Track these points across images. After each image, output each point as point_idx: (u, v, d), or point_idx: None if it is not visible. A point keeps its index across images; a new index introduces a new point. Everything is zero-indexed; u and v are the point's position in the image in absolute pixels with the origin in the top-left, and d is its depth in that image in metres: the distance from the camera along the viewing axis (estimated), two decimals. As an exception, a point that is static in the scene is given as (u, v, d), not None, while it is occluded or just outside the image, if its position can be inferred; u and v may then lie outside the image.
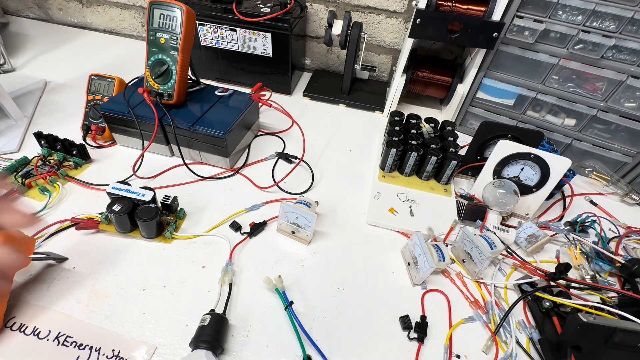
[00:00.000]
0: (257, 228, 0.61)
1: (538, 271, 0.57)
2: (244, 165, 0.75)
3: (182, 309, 0.50)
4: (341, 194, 0.71)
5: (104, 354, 0.45)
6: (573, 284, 0.56)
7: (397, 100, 0.91)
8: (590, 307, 0.51)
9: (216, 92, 0.76)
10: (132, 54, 1.11)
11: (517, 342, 0.50)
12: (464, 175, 0.76)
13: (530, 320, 0.53)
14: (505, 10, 0.71)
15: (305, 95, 0.99)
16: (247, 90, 0.79)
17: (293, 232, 0.60)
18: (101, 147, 0.76)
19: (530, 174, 0.65)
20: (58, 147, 0.70)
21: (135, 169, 0.68)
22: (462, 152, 0.73)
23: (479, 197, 0.69)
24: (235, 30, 0.87)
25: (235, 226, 0.61)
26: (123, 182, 0.60)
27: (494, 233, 0.60)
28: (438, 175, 0.74)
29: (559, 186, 0.71)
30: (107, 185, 0.59)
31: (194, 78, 0.78)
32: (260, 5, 0.87)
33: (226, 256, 0.57)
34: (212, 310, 0.48)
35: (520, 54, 0.74)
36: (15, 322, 0.47)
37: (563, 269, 0.53)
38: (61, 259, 0.54)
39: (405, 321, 0.51)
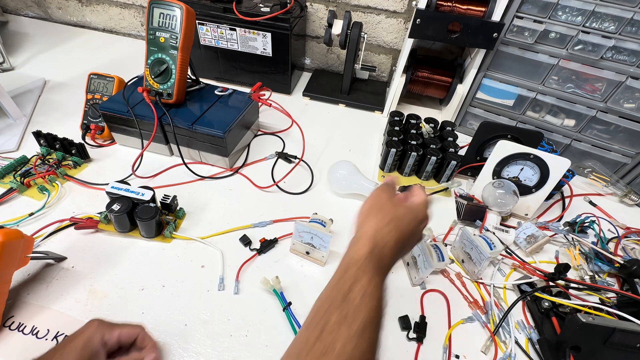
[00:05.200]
0: (267, 245, 0.59)
1: (537, 271, 0.57)
2: (244, 164, 0.75)
3: (181, 308, 0.50)
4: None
5: (102, 354, 0.44)
6: (572, 285, 0.56)
7: (397, 100, 0.91)
8: (589, 307, 0.51)
9: (216, 92, 0.76)
10: (132, 53, 1.11)
11: (516, 342, 0.50)
12: (463, 175, 0.76)
13: (530, 321, 0.53)
14: (505, 10, 0.71)
15: (305, 95, 0.99)
16: (247, 90, 0.79)
17: (307, 253, 0.58)
18: (100, 146, 0.76)
19: (529, 175, 0.65)
20: (57, 146, 0.70)
21: (135, 168, 0.68)
22: (462, 152, 0.73)
23: (478, 198, 0.69)
24: (235, 30, 0.87)
25: (245, 241, 0.59)
26: (122, 181, 0.60)
27: (493, 233, 0.60)
28: (437, 176, 0.74)
29: (559, 187, 0.71)
30: (107, 184, 0.59)
31: (193, 77, 0.78)
32: (260, 5, 0.87)
33: (225, 257, 0.57)
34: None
35: (520, 54, 0.74)
36: (14, 322, 0.46)
37: (562, 269, 0.53)
38: (60, 259, 0.54)
39: (404, 321, 0.51)
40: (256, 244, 0.59)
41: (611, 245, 0.65)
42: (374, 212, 0.39)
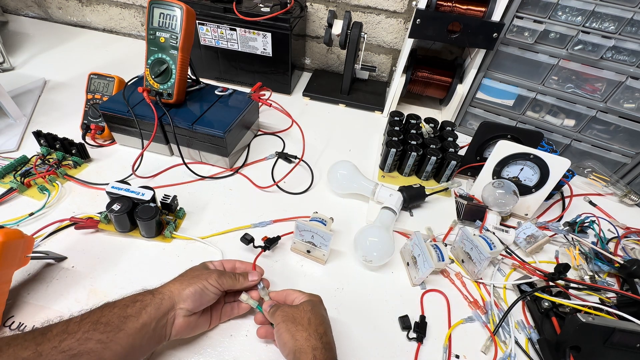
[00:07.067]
0: (272, 242, 0.57)
1: (537, 271, 0.57)
2: (244, 164, 0.75)
3: (181, 308, 0.50)
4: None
5: (102, 354, 0.45)
6: (572, 285, 0.56)
7: (397, 100, 0.91)
8: (589, 307, 0.51)
9: (216, 92, 0.76)
10: (132, 53, 1.11)
11: (516, 342, 0.50)
12: (463, 175, 0.76)
13: (529, 321, 0.54)
14: (505, 10, 0.71)
15: (305, 95, 0.99)
16: (247, 90, 0.79)
17: (308, 252, 0.58)
18: (100, 146, 0.76)
19: (529, 175, 0.65)
20: (57, 146, 0.70)
21: (135, 168, 0.68)
22: (462, 152, 0.73)
23: (478, 198, 0.69)
24: (235, 30, 0.87)
25: (248, 239, 0.56)
26: (122, 181, 0.60)
27: (493, 233, 0.60)
28: (437, 176, 0.74)
29: (558, 187, 0.71)
30: (107, 184, 0.59)
31: (193, 77, 0.78)
32: (260, 5, 0.87)
33: (226, 257, 0.57)
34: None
35: (519, 54, 0.74)
36: (14, 322, 0.46)
37: (562, 269, 0.53)
38: (60, 258, 0.54)
39: (404, 321, 0.51)
40: (258, 243, 0.59)
41: (611, 245, 0.65)
42: (292, 327, 0.41)
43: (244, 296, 0.47)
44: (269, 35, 0.86)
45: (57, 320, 0.36)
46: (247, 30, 0.86)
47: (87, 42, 1.14)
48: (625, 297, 0.54)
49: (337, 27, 0.85)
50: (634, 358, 0.46)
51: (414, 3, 0.76)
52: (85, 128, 0.75)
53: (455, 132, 0.77)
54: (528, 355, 0.49)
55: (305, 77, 1.07)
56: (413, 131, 0.74)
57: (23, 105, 0.82)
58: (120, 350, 0.35)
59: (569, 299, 0.53)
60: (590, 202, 0.75)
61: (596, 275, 0.58)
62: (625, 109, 0.71)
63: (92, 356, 0.33)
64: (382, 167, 0.75)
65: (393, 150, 0.70)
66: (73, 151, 0.69)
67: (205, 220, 0.63)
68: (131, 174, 0.68)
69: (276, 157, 0.77)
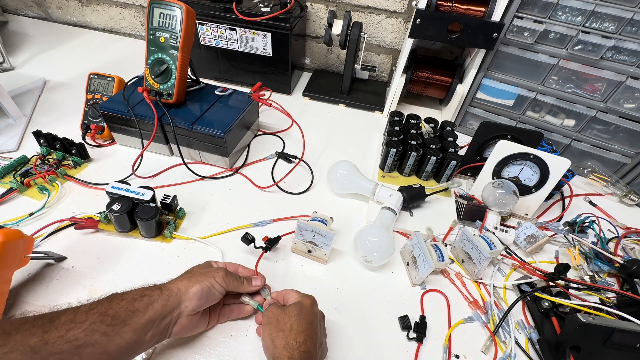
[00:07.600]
0: (272, 243, 0.57)
1: (537, 271, 0.57)
2: (244, 164, 0.75)
3: (181, 308, 0.50)
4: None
5: (102, 354, 0.45)
6: (572, 285, 0.56)
7: (397, 100, 0.91)
8: (589, 307, 0.51)
9: (216, 92, 0.76)
10: (132, 53, 1.11)
11: (516, 342, 0.50)
12: (463, 175, 0.76)
13: (529, 321, 0.54)
14: (505, 10, 0.71)
15: (305, 95, 0.99)
16: (247, 90, 0.79)
17: (309, 252, 0.58)
18: (100, 146, 0.76)
19: (529, 175, 0.65)
20: (57, 146, 0.70)
21: (135, 168, 0.68)
22: (462, 152, 0.73)
23: (478, 198, 0.69)
24: (235, 30, 0.87)
25: (249, 238, 0.56)
26: (122, 181, 0.60)
27: (493, 233, 0.60)
28: (437, 176, 0.74)
29: (558, 187, 0.71)
30: (107, 184, 0.59)
31: (193, 77, 0.78)
32: (260, 5, 0.87)
33: (226, 257, 0.57)
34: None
35: (519, 54, 0.74)
36: (13, 322, 0.46)
37: (562, 269, 0.53)
38: (60, 258, 0.54)
39: (404, 321, 0.51)
40: (259, 243, 0.59)
41: (611, 245, 0.65)
42: (274, 331, 0.40)
43: (245, 297, 0.48)
44: (269, 35, 0.86)
45: (66, 306, 0.36)
46: (247, 30, 0.86)
47: (87, 42, 1.14)
48: (625, 297, 0.54)
49: (337, 27, 0.85)
50: (634, 358, 0.46)
51: (414, 3, 0.76)
52: (85, 128, 0.75)
53: (455, 132, 0.77)
54: (528, 355, 0.49)
55: (305, 77, 1.07)
56: (413, 131, 0.74)
57: (23, 105, 0.82)
58: (124, 344, 0.36)
59: (569, 299, 0.53)
60: (590, 202, 0.75)
61: (596, 275, 0.58)
62: (625, 109, 0.71)
63: (97, 348, 0.33)
64: (382, 167, 0.75)
65: (393, 150, 0.70)
66: (73, 151, 0.69)
67: (205, 220, 0.63)
68: (131, 174, 0.68)
69: (276, 157, 0.77)
